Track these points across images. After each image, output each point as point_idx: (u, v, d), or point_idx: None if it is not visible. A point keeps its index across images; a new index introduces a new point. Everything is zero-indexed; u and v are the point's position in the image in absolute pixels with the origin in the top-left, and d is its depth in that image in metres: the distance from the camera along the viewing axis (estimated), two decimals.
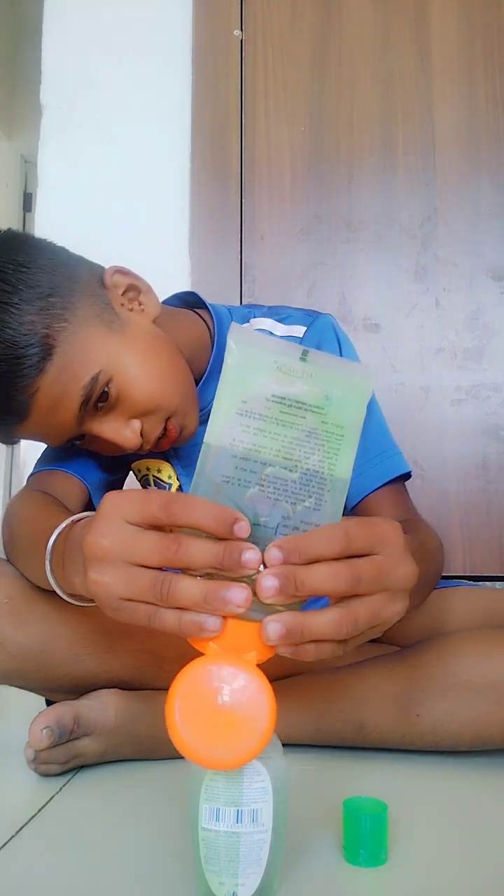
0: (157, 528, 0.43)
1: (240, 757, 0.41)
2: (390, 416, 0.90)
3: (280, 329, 0.88)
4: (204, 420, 0.83)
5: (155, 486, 0.90)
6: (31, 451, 1.37)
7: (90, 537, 0.44)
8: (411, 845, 0.54)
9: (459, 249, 1.56)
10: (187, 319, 0.87)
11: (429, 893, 0.48)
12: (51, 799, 0.64)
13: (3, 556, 0.76)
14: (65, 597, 0.59)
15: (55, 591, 0.61)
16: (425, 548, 0.71)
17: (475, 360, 1.54)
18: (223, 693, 0.41)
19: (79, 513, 0.81)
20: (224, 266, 1.59)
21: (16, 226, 2.72)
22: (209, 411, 0.90)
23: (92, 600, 0.46)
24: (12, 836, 0.56)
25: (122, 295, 0.78)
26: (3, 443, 0.78)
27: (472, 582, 0.97)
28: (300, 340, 0.87)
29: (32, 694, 0.78)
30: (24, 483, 0.86)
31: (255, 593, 0.42)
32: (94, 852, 0.54)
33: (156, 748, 0.73)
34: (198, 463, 0.44)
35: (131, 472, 0.93)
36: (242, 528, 0.41)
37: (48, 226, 1.62)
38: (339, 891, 0.48)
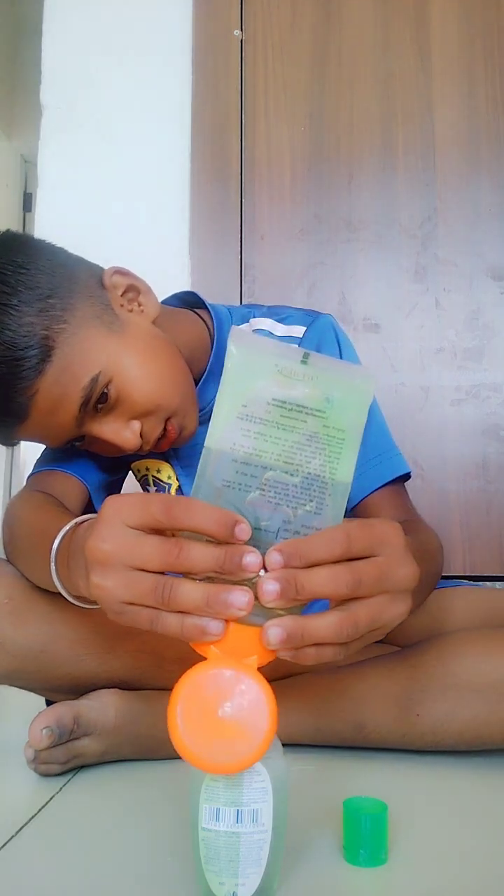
0: (158, 531, 0.43)
1: (241, 762, 0.41)
2: (390, 416, 0.90)
3: (280, 329, 0.88)
4: (203, 420, 0.83)
5: (154, 486, 0.90)
6: (30, 451, 1.37)
7: (91, 541, 0.44)
8: (411, 845, 0.54)
9: (459, 249, 1.56)
10: (187, 320, 0.87)
11: (429, 893, 0.48)
12: (51, 799, 0.64)
13: (3, 557, 0.76)
14: (70, 598, 0.59)
15: (56, 592, 0.61)
16: (425, 548, 0.71)
17: (475, 360, 1.54)
18: (224, 698, 0.41)
19: (79, 513, 0.82)
20: (224, 266, 1.59)
21: (16, 226, 2.72)
22: (209, 412, 0.90)
23: (96, 603, 0.46)
24: (12, 836, 0.57)
25: (122, 296, 0.78)
26: (3, 444, 0.78)
27: (472, 582, 0.97)
28: (300, 340, 0.87)
29: (32, 694, 0.78)
30: (24, 483, 0.86)
31: (256, 597, 0.42)
32: (94, 852, 0.54)
33: (156, 748, 0.73)
34: (199, 467, 0.44)
35: (131, 473, 0.93)
36: (243, 531, 0.41)
37: (48, 226, 1.62)
38: (339, 891, 0.48)
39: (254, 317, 0.90)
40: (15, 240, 0.75)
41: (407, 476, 0.87)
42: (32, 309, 0.68)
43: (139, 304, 0.79)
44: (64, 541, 0.58)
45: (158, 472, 0.89)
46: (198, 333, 0.86)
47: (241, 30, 1.66)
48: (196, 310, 0.90)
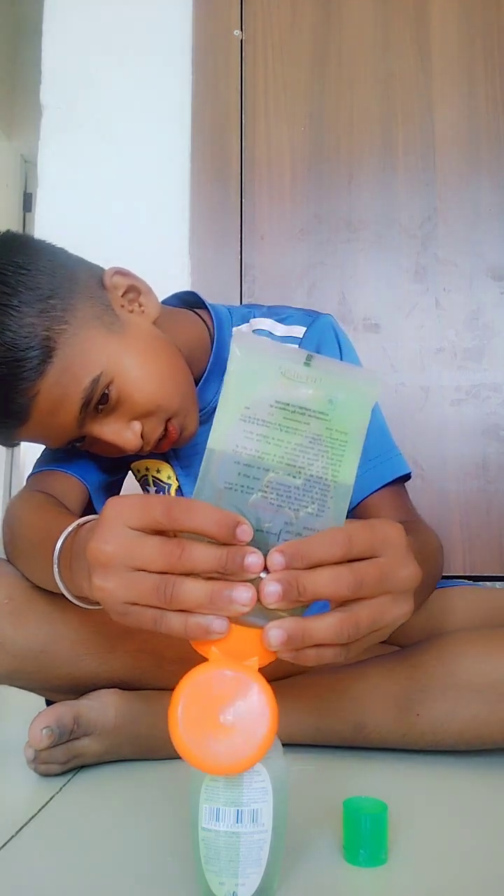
0: (160, 533, 0.43)
1: (241, 763, 0.41)
2: (390, 416, 0.90)
3: (280, 329, 0.88)
4: (204, 420, 0.83)
5: (154, 486, 0.90)
6: (31, 451, 1.37)
7: (93, 543, 0.44)
8: (411, 845, 0.54)
9: (459, 249, 1.56)
10: (187, 320, 0.87)
11: (429, 893, 0.48)
12: (51, 799, 0.65)
13: (3, 557, 0.76)
14: (73, 600, 0.59)
15: (57, 592, 0.61)
16: (426, 549, 0.71)
17: (475, 360, 1.54)
18: (225, 699, 0.41)
19: (79, 513, 0.82)
20: (224, 266, 1.59)
21: (16, 226, 2.72)
22: (209, 411, 0.91)
23: (99, 604, 0.46)
24: (12, 836, 0.57)
25: (122, 296, 0.78)
26: (4, 445, 0.78)
27: (472, 582, 0.97)
28: (300, 341, 0.87)
29: (32, 694, 0.78)
30: (24, 483, 0.86)
31: (257, 599, 0.42)
32: (94, 852, 0.54)
33: (156, 748, 0.73)
34: (201, 468, 0.44)
35: (130, 473, 0.93)
36: (245, 533, 0.42)
37: (48, 226, 1.62)
38: (339, 891, 0.48)
39: (254, 317, 0.90)
40: (15, 240, 0.75)
41: (407, 476, 0.87)
42: (33, 310, 0.68)
43: (140, 305, 0.79)
44: (66, 542, 0.58)
45: (158, 472, 0.89)
46: (198, 333, 0.86)
47: (241, 30, 1.66)
48: (196, 310, 0.90)
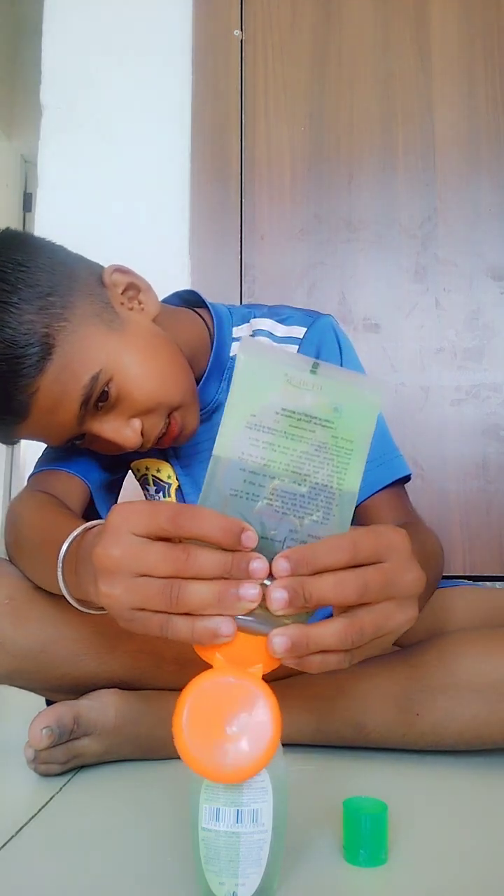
0: (165, 539, 0.43)
1: (245, 770, 0.41)
2: (390, 416, 0.90)
3: (280, 330, 0.88)
4: (204, 419, 0.83)
5: (154, 485, 0.90)
6: (31, 450, 1.37)
7: (99, 550, 0.45)
8: (411, 845, 0.54)
9: (459, 249, 1.56)
10: (187, 318, 0.87)
11: (429, 893, 0.48)
12: (51, 799, 0.64)
13: (4, 556, 0.76)
14: (75, 604, 0.59)
15: (59, 594, 0.60)
16: (426, 551, 0.71)
17: (475, 360, 1.54)
18: (229, 706, 0.41)
19: (81, 512, 0.82)
20: (224, 266, 1.59)
21: (16, 226, 2.72)
22: (209, 411, 0.91)
23: (104, 609, 0.46)
24: (12, 836, 0.56)
25: (122, 294, 0.78)
26: (3, 443, 0.78)
27: (472, 582, 0.97)
28: (300, 341, 0.86)
29: (32, 694, 0.78)
30: (25, 483, 0.86)
31: (260, 606, 0.42)
32: (94, 852, 0.54)
33: (156, 748, 0.73)
34: (207, 474, 0.44)
35: (130, 472, 0.93)
36: (250, 539, 0.42)
37: (48, 226, 1.62)
38: (339, 891, 0.48)
39: (254, 317, 0.90)
40: (15, 238, 0.75)
41: (407, 478, 0.87)
42: (32, 307, 0.68)
43: (139, 303, 0.79)
44: (72, 547, 0.58)
45: (158, 471, 0.89)
46: (198, 332, 0.86)
47: (241, 30, 1.66)
48: (196, 309, 0.90)
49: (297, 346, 0.86)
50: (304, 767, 0.71)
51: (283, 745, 0.46)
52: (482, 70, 1.61)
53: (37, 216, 1.64)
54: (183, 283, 1.54)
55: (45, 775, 0.69)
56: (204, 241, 1.61)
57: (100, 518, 0.77)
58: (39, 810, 0.62)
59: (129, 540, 0.43)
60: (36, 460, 0.87)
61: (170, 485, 0.89)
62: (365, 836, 0.51)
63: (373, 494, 0.83)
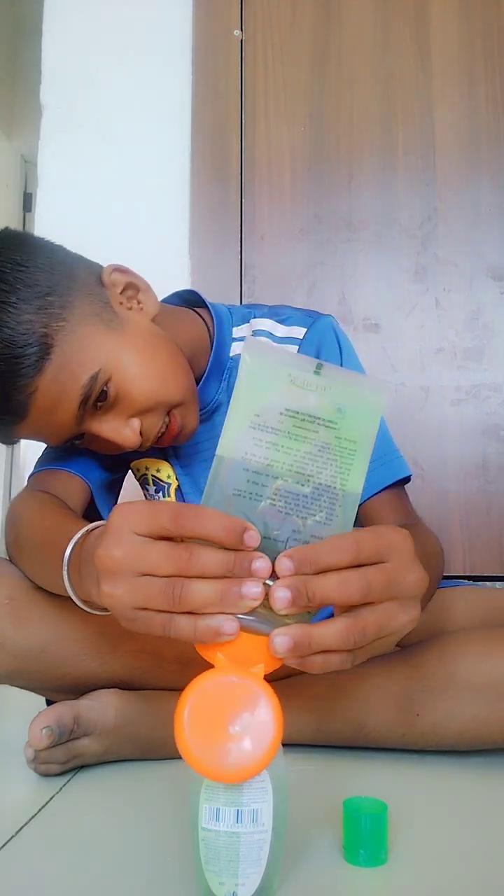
0: (167, 539, 0.43)
1: (246, 770, 0.41)
2: (390, 416, 0.90)
3: (280, 330, 0.88)
4: (204, 419, 0.83)
5: (154, 485, 0.90)
6: (31, 450, 1.37)
7: (101, 550, 0.45)
8: (411, 845, 0.54)
9: (459, 249, 1.56)
10: (187, 318, 0.87)
11: (429, 893, 0.48)
12: (51, 799, 0.64)
13: (4, 556, 0.76)
14: (83, 606, 0.59)
15: (59, 594, 0.60)
16: (427, 552, 0.71)
17: (475, 360, 1.54)
18: (231, 706, 0.41)
19: (82, 512, 0.82)
20: (224, 266, 1.59)
21: (16, 226, 2.72)
22: (209, 411, 0.90)
23: (108, 610, 0.46)
24: (12, 836, 0.56)
25: (121, 293, 0.78)
26: (3, 443, 0.78)
27: (472, 582, 0.97)
28: (300, 342, 0.86)
29: (32, 694, 0.78)
30: (25, 482, 0.86)
31: (262, 606, 0.42)
32: (94, 852, 0.54)
33: (156, 748, 0.73)
34: (210, 474, 0.44)
35: (130, 471, 0.92)
36: (252, 538, 0.42)
37: (48, 226, 1.62)
38: (339, 891, 0.48)
39: (254, 317, 0.90)
40: (13, 238, 0.75)
41: (407, 479, 0.87)
42: (31, 307, 0.68)
43: (138, 302, 0.79)
44: (76, 548, 0.58)
45: (158, 471, 0.89)
46: (198, 332, 0.86)
47: (241, 30, 1.66)
48: (196, 309, 0.90)
49: (297, 347, 0.86)
50: (304, 767, 0.71)
51: (284, 745, 0.46)
52: (482, 70, 1.61)
53: (37, 216, 1.64)
54: (183, 284, 1.54)
55: (45, 775, 0.69)
56: (204, 241, 1.61)
57: (100, 518, 0.77)
58: (39, 810, 0.62)
59: (130, 540, 0.43)
60: (36, 460, 0.87)
61: (169, 485, 0.89)
62: (365, 836, 0.51)
63: (373, 496, 0.83)
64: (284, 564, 0.42)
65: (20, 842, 0.56)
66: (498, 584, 1.44)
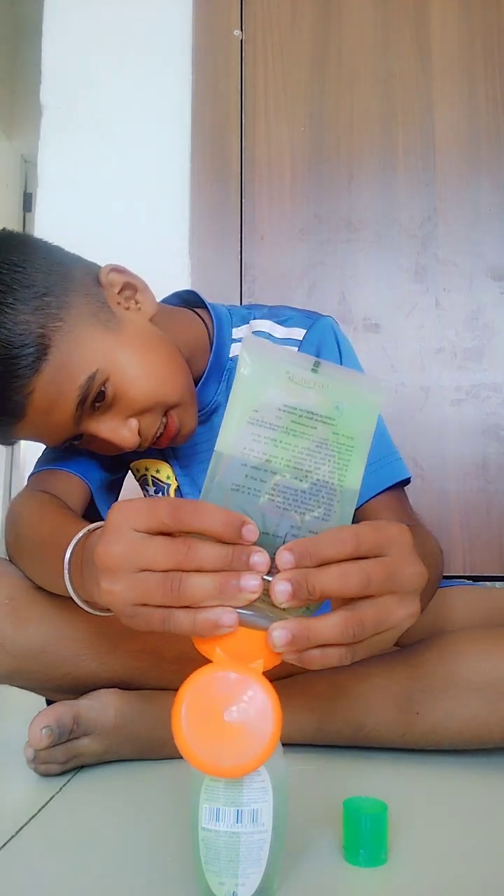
0: (166, 535, 0.43)
1: (244, 766, 0.41)
2: (390, 416, 0.90)
3: (279, 331, 0.87)
4: (203, 421, 0.83)
5: (153, 485, 0.90)
6: (31, 451, 1.37)
7: (100, 548, 0.45)
8: (411, 845, 0.54)
9: (459, 249, 1.56)
10: (186, 318, 0.87)
11: (429, 893, 0.48)
12: (51, 799, 0.64)
13: (4, 556, 0.76)
14: (85, 607, 0.59)
15: (59, 594, 0.60)
16: (426, 552, 0.71)
17: (475, 360, 1.54)
18: (230, 701, 0.41)
19: (81, 512, 0.82)
20: (224, 266, 1.59)
21: (16, 226, 2.72)
22: (208, 412, 0.90)
23: (109, 609, 0.46)
24: (12, 836, 0.56)
25: (119, 293, 0.78)
26: (2, 443, 0.78)
27: (472, 582, 0.97)
28: (299, 343, 0.86)
29: (32, 694, 0.78)
30: (25, 483, 0.86)
31: (261, 600, 0.42)
32: (94, 852, 0.54)
33: (156, 748, 0.73)
34: (209, 470, 0.44)
35: (130, 472, 0.92)
36: (251, 532, 0.42)
37: (48, 226, 1.62)
38: (339, 891, 0.48)
39: (254, 318, 0.89)
40: (11, 238, 0.75)
41: (407, 481, 0.86)
42: (28, 307, 0.68)
43: (136, 302, 0.79)
44: (77, 548, 0.58)
45: (157, 472, 0.89)
46: (197, 333, 0.86)
47: (241, 30, 1.66)
48: (196, 309, 0.90)
49: (296, 348, 0.86)
50: (304, 767, 0.71)
51: (284, 744, 0.46)
52: (482, 70, 1.61)
53: (37, 216, 1.64)
54: (183, 284, 1.54)
55: (45, 775, 0.69)
56: (204, 241, 1.61)
57: (100, 518, 0.77)
58: (39, 810, 0.62)
59: (130, 536, 0.43)
60: (36, 460, 0.87)
61: (169, 485, 0.89)
62: (365, 836, 0.51)
63: (373, 497, 0.83)
64: (285, 557, 0.42)
65: (20, 842, 0.56)
66: (498, 584, 1.44)
